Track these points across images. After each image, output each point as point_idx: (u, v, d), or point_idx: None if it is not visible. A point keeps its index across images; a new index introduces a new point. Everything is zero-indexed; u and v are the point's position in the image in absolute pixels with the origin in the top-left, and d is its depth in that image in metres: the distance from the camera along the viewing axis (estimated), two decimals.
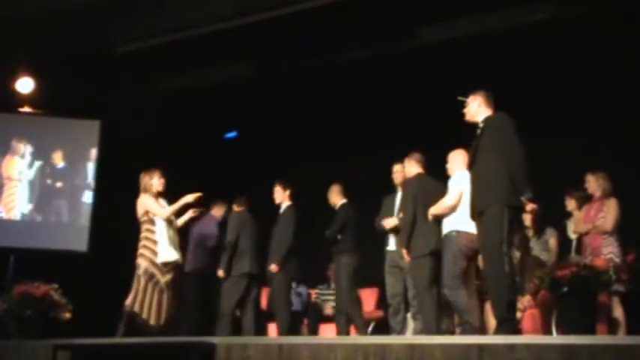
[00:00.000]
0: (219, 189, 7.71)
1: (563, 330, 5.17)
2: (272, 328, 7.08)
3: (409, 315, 6.02)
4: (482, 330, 5.28)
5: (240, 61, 7.66)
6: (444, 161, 5.69)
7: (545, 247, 6.28)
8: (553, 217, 6.40)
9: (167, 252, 5.93)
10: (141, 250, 5.93)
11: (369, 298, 7.01)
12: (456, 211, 5.35)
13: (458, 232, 5.28)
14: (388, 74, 7.37)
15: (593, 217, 5.80)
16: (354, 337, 6.01)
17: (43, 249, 7.62)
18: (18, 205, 7.86)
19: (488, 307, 5.78)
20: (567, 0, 6.49)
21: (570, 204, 6.31)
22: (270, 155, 8.58)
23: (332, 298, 7.11)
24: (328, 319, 7.06)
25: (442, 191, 5.51)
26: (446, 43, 6.96)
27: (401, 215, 5.88)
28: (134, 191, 6.19)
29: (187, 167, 8.25)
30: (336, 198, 6.82)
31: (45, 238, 7.77)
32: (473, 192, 4.82)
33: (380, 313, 7.11)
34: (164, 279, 5.91)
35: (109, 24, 7.15)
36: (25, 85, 7.80)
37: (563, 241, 6.27)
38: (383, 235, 6.22)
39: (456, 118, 5.13)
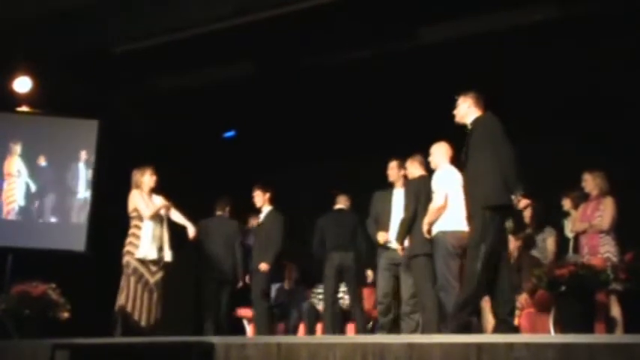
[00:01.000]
0: (218, 188, 7.72)
1: (561, 329, 5.17)
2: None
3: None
4: (479, 330, 5.28)
5: (240, 60, 7.65)
6: None
7: (543, 245, 6.28)
8: (552, 216, 6.41)
9: (147, 249, 5.95)
10: (127, 247, 5.98)
11: (369, 297, 6.99)
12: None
13: (444, 232, 5.27)
14: (388, 74, 7.36)
15: (590, 216, 5.82)
16: (352, 337, 6.01)
17: (41, 248, 7.60)
18: (17, 199, 7.88)
19: (487, 306, 5.81)
20: (567, 0, 6.49)
21: (566, 204, 6.34)
22: (269, 155, 8.58)
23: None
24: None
25: None
26: (446, 43, 6.95)
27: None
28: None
29: (186, 167, 8.26)
30: None
31: (43, 238, 7.76)
32: (465, 195, 4.90)
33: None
34: (153, 279, 5.95)
35: (109, 23, 7.16)
36: (22, 84, 7.79)
37: (561, 241, 6.28)
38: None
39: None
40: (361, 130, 7.86)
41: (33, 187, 7.92)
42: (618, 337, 4.70)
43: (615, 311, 5.45)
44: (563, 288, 4.96)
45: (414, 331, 5.69)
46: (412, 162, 6.01)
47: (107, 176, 7.91)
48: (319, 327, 6.83)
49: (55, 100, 7.90)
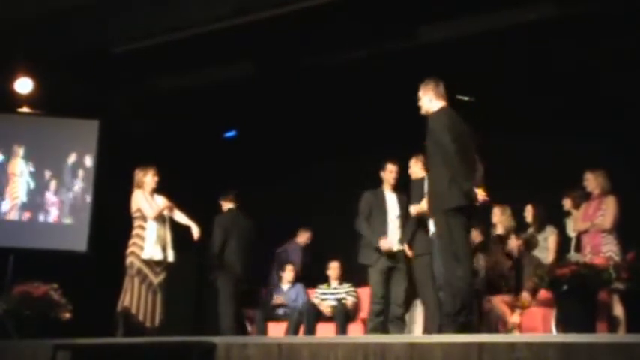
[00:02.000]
0: (218, 188, 7.71)
1: (563, 328, 5.17)
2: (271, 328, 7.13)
3: (407, 316, 6.09)
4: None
5: (240, 60, 7.65)
6: None
7: (544, 245, 6.29)
8: (553, 216, 6.41)
9: (152, 250, 5.95)
10: (131, 248, 5.98)
11: (368, 298, 6.98)
12: None
13: None
14: (388, 73, 7.36)
15: (591, 216, 5.82)
16: (353, 337, 6.01)
17: (42, 249, 7.61)
18: (20, 197, 7.90)
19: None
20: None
21: (567, 203, 6.35)
22: (270, 154, 8.58)
23: (332, 297, 7.11)
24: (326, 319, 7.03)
25: None
26: (446, 42, 6.95)
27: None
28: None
29: (187, 167, 8.25)
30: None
31: (45, 238, 7.77)
32: (427, 197, 5.02)
33: None
34: (157, 279, 5.95)
35: (109, 24, 7.15)
36: (23, 85, 7.80)
37: (562, 240, 6.29)
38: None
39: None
40: (361, 130, 7.86)
41: (35, 188, 7.92)
42: (620, 336, 4.69)
43: (617, 310, 5.46)
44: (565, 287, 4.96)
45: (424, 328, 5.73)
46: (416, 162, 6.03)
47: (108, 176, 7.91)
48: (319, 327, 6.82)
49: (55, 101, 7.91)
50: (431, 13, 6.76)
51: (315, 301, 7.11)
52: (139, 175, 6.19)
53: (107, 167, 7.98)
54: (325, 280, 7.45)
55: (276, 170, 8.62)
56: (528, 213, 6.43)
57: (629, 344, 3.20)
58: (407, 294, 6.13)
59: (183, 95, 8.05)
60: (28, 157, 7.94)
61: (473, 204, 4.66)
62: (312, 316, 6.84)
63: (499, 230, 6.35)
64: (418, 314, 6.46)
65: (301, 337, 6.09)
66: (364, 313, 6.99)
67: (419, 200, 5.64)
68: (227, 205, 7.22)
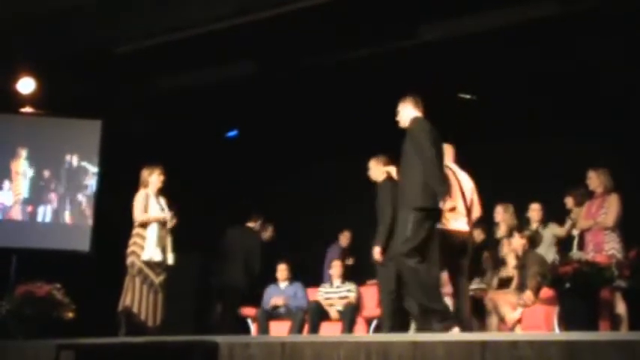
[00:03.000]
0: (218, 188, 7.72)
1: (565, 326, 5.18)
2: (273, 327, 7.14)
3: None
4: (469, 328, 5.27)
5: (241, 60, 7.65)
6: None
7: (546, 243, 6.30)
8: (556, 214, 6.42)
9: (152, 251, 5.96)
10: (131, 248, 5.99)
11: (373, 295, 6.99)
12: None
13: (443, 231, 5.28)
14: (388, 73, 7.36)
15: (594, 214, 5.83)
16: (356, 336, 6.01)
17: (45, 249, 7.61)
18: (23, 194, 7.92)
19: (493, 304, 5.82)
20: None
21: (569, 202, 6.37)
22: (270, 154, 8.58)
23: (336, 297, 7.11)
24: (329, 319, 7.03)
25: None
26: (446, 41, 6.95)
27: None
28: (136, 191, 6.22)
29: (187, 167, 8.25)
30: None
31: (47, 238, 7.77)
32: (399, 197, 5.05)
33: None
34: (158, 279, 5.96)
35: (109, 24, 7.15)
36: (26, 85, 7.80)
37: (565, 238, 6.30)
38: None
39: (457, 116, 5.15)
40: (362, 130, 7.86)
41: (37, 188, 7.93)
42: (623, 334, 4.70)
43: (620, 308, 5.46)
44: (567, 285, 4.97)
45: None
46: (377, 163, 6.11)
47: (109, 176, 7.91)
48: (324, 326, 6.83)
49: (56, 101, 7.91)
50: (431, 13, 6.77)
51: (320, 299, 7.10)
52: (144, 173, 6.20)
53: (110, 167, 7.98)
54: (327, 279, 7.47)
55: (277, 170, 8.63)
56: (532, 211, 6.44)
57: (632, 342, 3.20)
58: None
59: (184, 95, 8.05)
60: (30, 158, 7.95)
61: (440, 209, 4.75)
62: (317, 315, 6.83)
63: (502, 228, 6.36)
64: None
65: (304, 337, 6.10)
66: (367, 311, 7.01)
67: (390, 204, 5.62)
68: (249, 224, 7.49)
